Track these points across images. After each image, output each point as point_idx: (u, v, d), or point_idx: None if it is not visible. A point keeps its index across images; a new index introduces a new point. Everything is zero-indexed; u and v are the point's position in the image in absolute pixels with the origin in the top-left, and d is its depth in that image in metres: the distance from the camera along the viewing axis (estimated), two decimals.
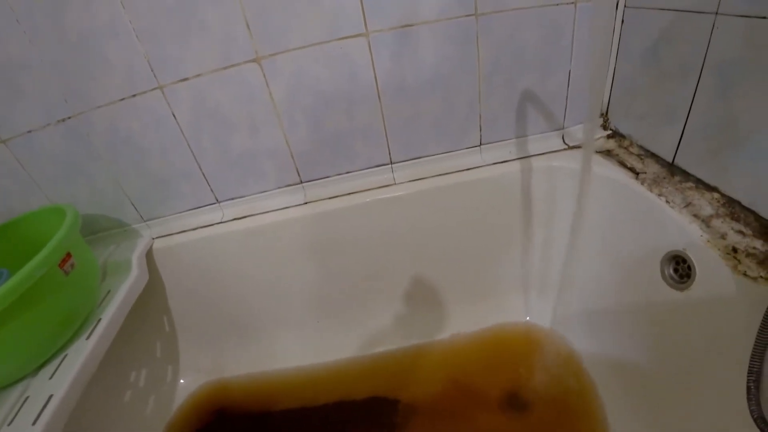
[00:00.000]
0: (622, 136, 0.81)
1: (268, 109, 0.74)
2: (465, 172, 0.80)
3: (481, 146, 0.82)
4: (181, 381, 0.94)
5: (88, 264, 0.68)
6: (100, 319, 0.67)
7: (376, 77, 0.72)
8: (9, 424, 0.56)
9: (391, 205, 0.80)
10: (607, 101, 0.81)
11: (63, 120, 0.75)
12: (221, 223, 0.83)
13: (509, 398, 0.80)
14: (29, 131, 0.76)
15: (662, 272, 0.66)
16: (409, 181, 0.80)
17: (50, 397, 0.57)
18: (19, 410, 0.58)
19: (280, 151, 0.79)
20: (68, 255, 0.62)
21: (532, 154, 0.81)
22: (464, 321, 0.91)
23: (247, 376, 0.93)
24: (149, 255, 0.82)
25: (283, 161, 0.80)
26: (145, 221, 0.85)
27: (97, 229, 0.87)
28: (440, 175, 0.80)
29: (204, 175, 0.80)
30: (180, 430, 0.86)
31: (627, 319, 0.74)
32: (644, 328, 0.70)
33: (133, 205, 0.83)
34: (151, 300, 0.85)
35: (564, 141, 0.83)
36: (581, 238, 0.76)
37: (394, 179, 0.81)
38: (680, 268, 0.64)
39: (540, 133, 0.82)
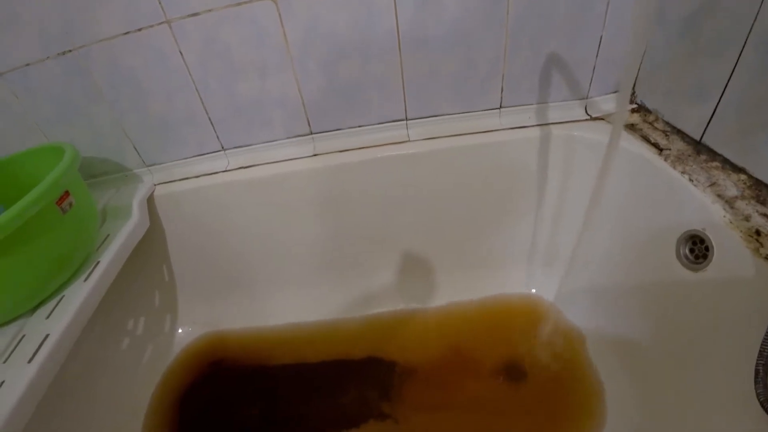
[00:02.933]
0: (648, 111, 0.78)
1: (281, 54, 0.70)
2: (482, 134, 0.77)
3: (501, 109, 0.78)
4: (179, 331, 0.94)
5: (86, 205, 0.65)
6: (98, 262, 0.65)
7: (397, 26, 0.68)
8: (5, 362, 0.55)
9: (403, 162, 0.77)
10: (635, 73, 0.78)
11: (63, 53, 0.71)
12: (226, 171, 0.79)
13: (506, 368, 0.80)
14: (27, 64, 0.72)
15: (677, 252, 0.64)
16: (424, 139, 0.77)
17: (46, 336, 0.56)
18: (15, 348, 0.57)
19: (291, 99, 0.75)
20: (66, 193, 0.60)
21: (552, 121, 0.78)
22: (467, 288, 0.90)
23: (244, 330, 0.93)
24: (150, 201, 0.80)
25: (293, 110, 0.76)
26: (147, 166, 0.82)
27: (97, 173, 0.84)
28: (456, 135, 0.77)
29: (210, 120, 0.77)
30: (177, 380, 0.86)
31: (634, 297, 0.73)
32: (651, 308, 0.69)
33: (135, 148, 0.80)
34: (151, 248, 0.84)
35: (586, 111, 0.79)
36: (595, 211, 0.74)
37: (408, 136, 0.78)
38: (697, 249, 0.62)
39: (562, 101, 0.79)
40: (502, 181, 0.81)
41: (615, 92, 0.80)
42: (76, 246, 0.64)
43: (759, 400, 0.47)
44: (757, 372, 0.48)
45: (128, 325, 0.84)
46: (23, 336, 0.58)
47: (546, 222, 0.85)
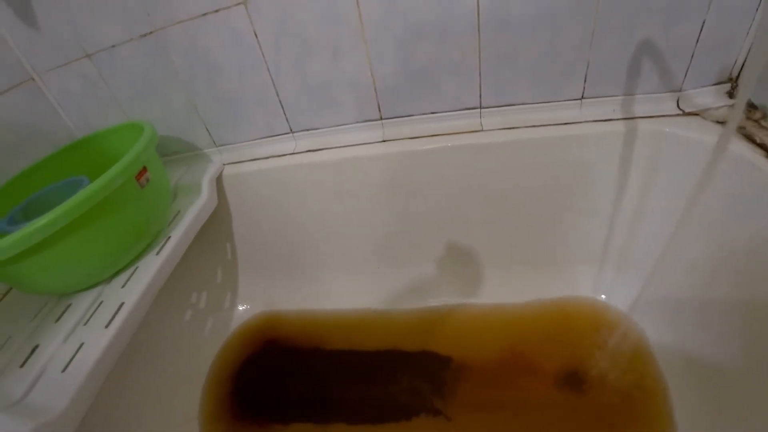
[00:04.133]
0: (754, 107, 0.69)
1: (355, 34, 0.68)
2: (561, 126, 0.72)
3: (582, 100, 0.72)
4: (238, 308, 0.96)
5: (161, 181, 0.68)
6: (169, 237, 0.68)
7: (478, 6, 0.64)
8: (84, 324, 0.59)
9: (475, 152, 0.74)
10: (741, 64, 0.69)
11: (144, 35, 0.73)
12: (293, 154, 0.80)
13: (567, 375, 0.75)
14: (113, 46, 0.75)
15: None
16: (499, 129, 0.73)
17: (122, 304, 0.59)
18: (93, 313, 0.60)
19: (363, 82, 0.73)
20: (144, 169, 0.62)
21: (639, 115, 0.71)
22: (530, 287, 0.85)
23: (300, 312, 0.94)
24: (219, 181, 0.82)
25: (364, 93, 0.74)
26: (216, 146, 0.84)
27: (169, 152, 0.87)
28: (533, 126, 0.72)
29: (280, 101, 0.77)
30: (234, 354, 0.89)
31: (722, 314, 0.65)
32: (742, 328, 0.62)
33: (206, 128, 0.82)
34: (217, 226, 0.86)
35: (678, 105, 0.72)
36: (688, 216, 0.67)
37: (482, 125, 0.74)
38: None
39: (651, 93, 0.71)
40: (578, 177, 0.75)
41: (714, 85, 0.72)
42: (151, 220, 0.66)
43: None
44: None
45: (192, 298, 0.88)
46: (101, 302, 0.62)
47: (623, 224, 0.78)
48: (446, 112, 0.75)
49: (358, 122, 0.78)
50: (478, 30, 0.66)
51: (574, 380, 0.75)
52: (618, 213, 0.77)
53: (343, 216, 0.84)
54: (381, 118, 0.77)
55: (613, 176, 0.75)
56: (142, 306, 0.60)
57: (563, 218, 0.80)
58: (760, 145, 0.63)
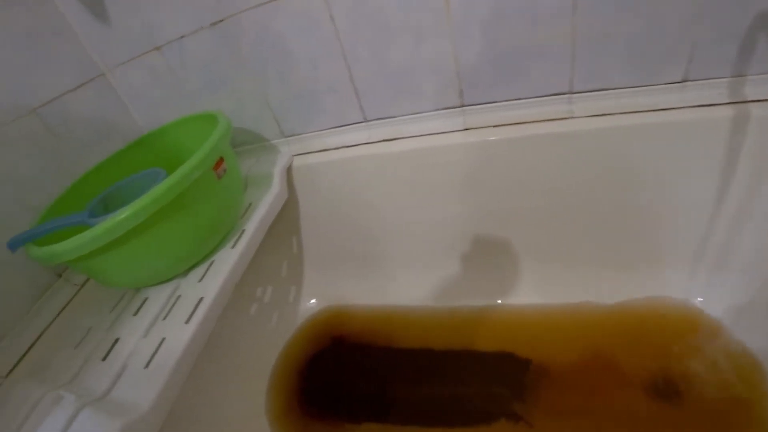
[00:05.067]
0: None
1: (439, 16, 0.64)
2: (659, 112, 0.65)
3: (684, 83, 0.65)
4: (303, 303, 0.95)
5: (235, 173, 0.66)
6: (244, 230, 0.66)
7: None
8: (164, 319, 0.58)
9: (564, 141, 0.68)
10: None
11: (215, 23, 0.71)
12: (367, 143, 0.76)
13: (660, 384, 0.69)
14: (182, 36, 0.74)
15: None
16: (590, 115, 0.67)
17: (201, 299, 0.58)
18: (172, 307, 0.59)
19: (445, 67, 0.69)
20: (221, 159, 0.60)
21: (751, 99, 0.64)
22: (615, 288, 0.79)
23: (368, 307, 0.91)
24: (288, 172, 0.80)
25: (446, 79, 0.70)
26: (285, 137, 0.82)
27: (237, 143, 0.86)
28: (628, 112, 0.66)
29: (355, 89, 0.74)
30: (300, 349, 0.87)
31: None
32: None
33: (275, 119, 0.80)
34: (283, 219, 0.84)
35: None
36: None
37: (572, 112, 0.68)
38: None
39: (766, 73, 0.64)
40: (676, 167, 0.68)
41: None
42: (227, 212, 0.65)
43: None
44: None
45: (257, 292, 0.87)
46: (179, 296, 0.61)
47: (725, 221, 0.70)
48: (533, 98, 0.69)
49: (437, 110, 0.73)
50: (574, 7, 0.61)
51: (668, 389, 0.69)
52: (720, 209, 0.70)
53: (416, 208, 0.81)
54: (462, 105, 0.72)
55: (717, 167, 0.67)
56: (220, 301, 0.59)
57: (655, 213, 0.73)
58: None
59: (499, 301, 0.85)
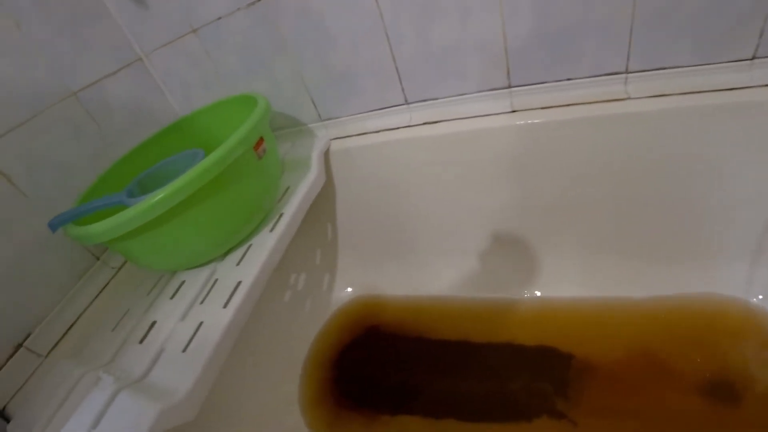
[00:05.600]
0: None
1: None
2: (724, 92, 0.60)
3: (754, 60, 0.60)
4: (337, 291, 0.93)
5: (274, 155, 0.65)
6: (282, 214, 0.65)
7: None
8: (201, 303, 0.57)
9: (618, 124, 0.64)
10: None
11: (251, 3, 0.70)
12: (408, 127, 0.74)
13: (714, 384, 0.65)
14: (219, 18, 0.73)
15: None
16: (647, 96, 0.63)
17: (239, 283, 0.57)
18: (209, 291, 0.59)
19: (493, 45, 0.65)
20: (261, 139, 0.59)
21: None
22: (666, 282, 0.75)
23: (404, 297, 0.89)
24: (326, 157, 0.78)
25: (493, 58, 0.66)
26: (322, 120, 0.80)
27: (274, 127, 0.84)
28: (689, 93, 0.61)
29: (397, 70, 0.71)
30: (333, 337, 0.86)
31: None
32: None
33: (312, 102, 0.78)
34: (319, 205, 0.82)
35: None
36: None
37: (628, 93, 0.64)
38: None
39: None
40: (740, 154, 0.63)
41: None
42: (266, 194, 0.64)
43: None
44: None
45: (290, 279, 0.86)
46: (216, 280, 0.60)
47: None
48: (585, 77, 0.65)
49: (482, 91, 0.70)
50: None
51: (723, 390, 0.64)
52: None
53: (458, 194, 0.78)
54: (510, 86, 0.69)
55: None
56: (258, 285, 0.58)
57: (713, 203, 0.68)
58: None
59: (539, 294, 0.82)
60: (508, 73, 0.67)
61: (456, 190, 0.77)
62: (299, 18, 0.69)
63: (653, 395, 0.66)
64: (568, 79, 0.66)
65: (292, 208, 0.65)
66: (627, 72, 0.63)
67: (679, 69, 0.62)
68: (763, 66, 0.61)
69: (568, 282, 0.80)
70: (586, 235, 0.77)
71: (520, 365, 0.74)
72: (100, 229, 0.50)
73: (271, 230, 0.63)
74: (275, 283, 0.83)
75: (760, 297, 0.70)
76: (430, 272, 0.88)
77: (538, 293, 0.82)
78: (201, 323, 0.54)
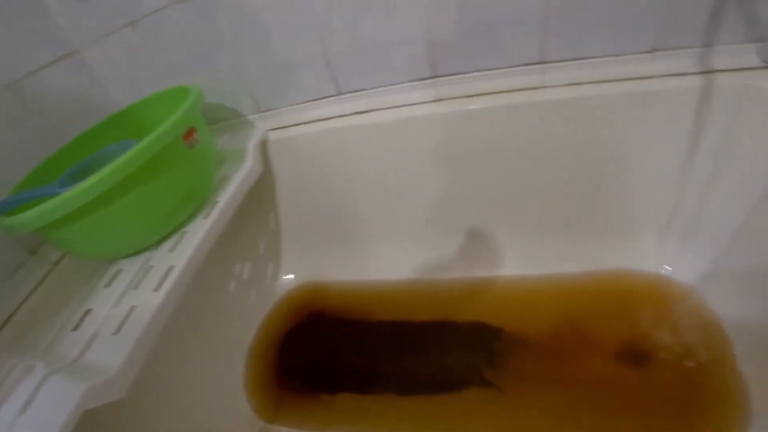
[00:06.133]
0: None
1: None
2: (631, 81, 0.66)
3: (655, 52, 0.66)
4: (282, 279, 0.95)
5: (208, 145, 0.66)
6: (217, 202, 0.67)
7: None
8: (135, 288, 0.59)
9: (536, 111, 0.69)
10: None
11: None
12: (341, 116, 0.77)
13: (629, 351, 0.71)
14: (156, 11, 0.74)
15: None
16: (562, 85, 0.68)
17: (171, 267, 0.58)
18: (143, 277, 0.60)
19: (418, 37, 0.69)
20: (192, 129, 0.61)
21: (720, 68, 0.65)
22: (587, 258, 0.81)
23: (346, 282, 0.92)
24: (263, 148, 0.80)
25: (417, 50, 0.70)
26: (261, 112, 0.82)
27: (214, 119, 0.86)
28: (599, 82, 0.67)
29: (330, 62, 0.73)
30: (278, 324, 0.88)
31: None
32: None
33: (251, 94, 0.80)
34: (260, 195, 0.85)
35: (764, 57, 0.64)
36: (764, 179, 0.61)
37: (544, 82, 0.69)
38: None
39: (734, 43, 0.64)
40: (646, 138, 0.69)
41: None
42: (199, 184, 0.65)
43: None
44: None
45: (235, 269, 0.87)
46: (150, 266, 0.61)
47: (694, 189, 0.71)
48: (505, 68, 0.69)
49: (410, 81, 0.74)
50: None
51: (637, 355, 0.70)
52: (689, 178, 0.71)
53: (393, 181, 0.81)
54: (434, 76, 0.72)
55: (686, 137, 0.68)
56: (191, 268, 0.59)
57: (626, 183, 0.74)
58: None
59: (477, 274, 0.86)
60: (433, 64, 0.71)
61: (390, 176, 0.81)
62: (236, 12, 0.71)
63: (575, 362, 0.72)
64: (489, 70, 0.70)
65: (227, 196, 0.67)
66: (543, 62, 0.68)
67: (590, 59, 0.67)
68: (664, 57, 0.66)
69: (499, 261, 0.85)
70: (516, 217, 0.82)
71: (454, 341, 0.78)
72: (30, 216, 0.51)
73: (205, 217, 0.64)
74: (220, 274, 0.85)
75: (669, 268, 0.77)
76: (371, 257, 0.91)
77: (475, 274, 0.86)
78: (133, 307, 0.55)
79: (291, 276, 0.96)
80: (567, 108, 0.67)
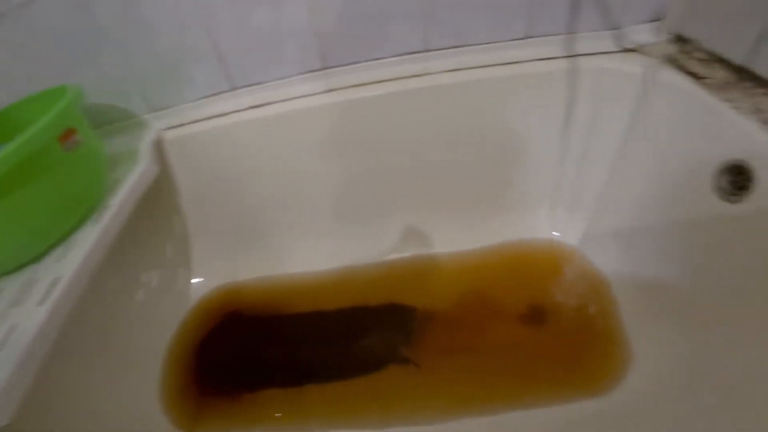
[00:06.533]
0: (685, 40, 0.72)
1: None
2: (506, 66, 0.72)
3: (527, 39, 0.73)
4: (194, 282, 0.92)
5: (93, 147, 0.62)
6: (107, 207, 0.63)
7: None
8: (17, 306, 0.54)
9: (423, 96, 0.73)
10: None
11: None
12: (237, 111, 0.75)
13: (529, 313, 0.78)
14: (23, 4, 0.67)
15: (717, 185, 0.60)
16: (445, 71, 0.72)
17: (56, 279, 0.54)
18: (25, 293, 0.55)
19: (304, 29, 0.70)
20: (70, 131, 0.57)
21: (582, 53, 0.73)
22: (487, 233, 0.87)
23: (260, 279, 0.91)
24: (159, 147, 0.76)
25: (306, 42, 0.71)
26: (153, 111, 0.78)
27: (103, 122, 0.79)
28: (479, 67, 0.72)
29: (220, 56, 0.72)
30: (193, 330, 0.85)
31: (666, 238, 0.69)
32: (684, 247, 0.66)
33: (141, 92, 0.76)
34: (162, 197, 0.81)
35: (618, 42, 0.74)
36: (628, 149, 0.70)
37: (429, 69, 0.73)
38: (738, 180, 0.58)
39: (593, 30, 0.73)
40: (525, 118, 0.76)
41: (649, 22, 0.74)
42: (85, 188, 0.61)
43: None
44: None
45: (142, 277, 0.82)
46: (35, 280, 0.56)
47: (571, 161, 0.80)
48: (392, 57, 0.73)
49: (301, 73, 0.74)
50: None
51: (537, 316, 0.77)
52: (566, 152, 0.79)
53: (294, 173, 0.81)
54: (325, 68, 0.74)
55: (560, 115, 0.76)
56: (81, 278, 0.55)
57: (514, 161, 0.82)
58: (693, 74, 0.66)
59: (386, 257, 0.90)
60: (322, 55, 0.73)
61: (291, 168, 0.81)
62: (114, 4, 0.67)
63: (484, 330, 0.77)
64: (377, 59, 0.73)
65: (119, 200, 0.63)
66: (428, 50, 0.72)
67: (470, 47, 0.73)
68: (535, 44, 0.74)
69: (407, 243, 0.89)
70: (417, 198, 0.86)
71: (370, 324, 0.80)
72: None
73: (95, 224, 0.61)
74: (125, 283, 0.80)
75: (557, 234, 0.85)
76: (282, 252, 0.91)
77: (384, 257, 0.90)
78: (13, 325, 0.51)
79: (203, 279, 0.92)
80: (451, 92, 0.72)
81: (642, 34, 0.74)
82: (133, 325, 0.80)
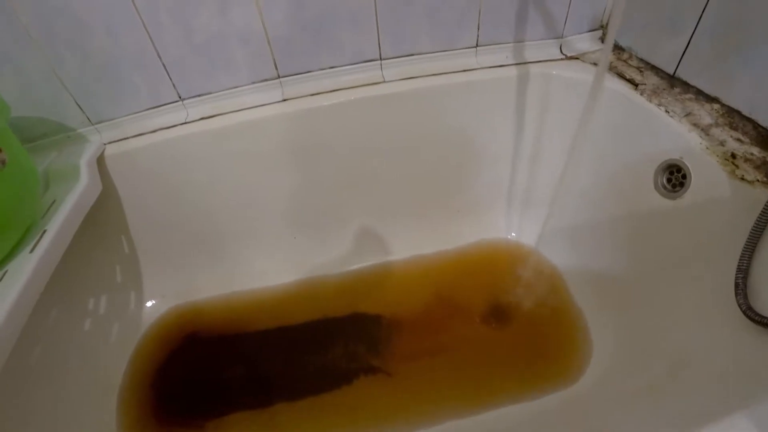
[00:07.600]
0: (621, 49, 0.78)
1: None
2: (459, 74, 0.74)
3: (477, 48, 0.75)
4: (147, 305, 0.86)
5: (21, 165, 0.56)
6: (45, 231, 0.57)
7: None
8: None
9: (378, 104, 0.73)
10: (609, 12, 0.77)
11: None
12: (185, 123, 0.71)
13: (491, 312, 0.81)
14: None
15: (655, 182, 0.65)
16: (399, 79, 0.73)
17: None
18: None
19: (255, 34, 0.67)
20: None
21: (529, 60, 0.76)
22: (446, 237, 0.89)
23: (219, 297, 0.87)
24: (101, 163, 0.70)
25: (258, 49, 0.69)
26: (93, 124, 0.72)
27: (34, 136, 0.72)
28: (433, 75, 0.74)
29: (163, 64, 0.68)
30: (149, 355, 0.80)
31: (613, 231, 0.74)
32: (630, 240, 0.71)
33: (76, 103, 0.69)
34: (107, 217, 0.75)
35: (561, 50, 0.78)
36: (576, 150, 0.74)
37: (383, 77, 0.73)
38: (674, 178, 0.64)
39: (538, 39, 0.77)
40: (479, 123, 0.79)
41: (589, 31, 0.79)
42: (13, 212, 0.54)
43: (741, 309, 0.49)
44: (737, 285, 0.51)
45: (89, 304, 0.76)
46: None
47: (523, 164, 0.84)
48: (347, 65, 0.73)
49: (254, 83, 0.72)
50: None
51: (498, 315, 0.80)
52: (518, 155, 0.83)
53: (249, 186, 0.79)
54: (279, 77, 0.72)
55: (511, 120, 0.80)
56: (18, 315, 0.50)
57: (470, 165, 0.84)
58: (629, 80, 0.71)
59: (347, 267, 0.89)
60: (276, 64, 0.71)
61: (246, 181, 0.79)
62: (40, 5, 0.60)
63: (448, 331, 0.79)
64: (332, 67, 0.73)
65: (58, 222, 0.58)
66: (381, 59, 0.73)
67: (423, 55, 0.74)
68: (485, 53, 0.76)
69: (367, 251, 0.89)
70: (375, 207, 0.87)
71: (336, 336, 0.80)
72: None
73: (32, 251, 0.55)
74: (71, 314, 0.73)
75: (514, 234, 0.89)
76: (239, 267, 0.88)
77: (345, 267, 0.89)
78: None
79: (157, 301, 0.87)
80: (405, 100, 0.74)
81: (583, 42, 0.79)
82: (82, 358, 0.73)
